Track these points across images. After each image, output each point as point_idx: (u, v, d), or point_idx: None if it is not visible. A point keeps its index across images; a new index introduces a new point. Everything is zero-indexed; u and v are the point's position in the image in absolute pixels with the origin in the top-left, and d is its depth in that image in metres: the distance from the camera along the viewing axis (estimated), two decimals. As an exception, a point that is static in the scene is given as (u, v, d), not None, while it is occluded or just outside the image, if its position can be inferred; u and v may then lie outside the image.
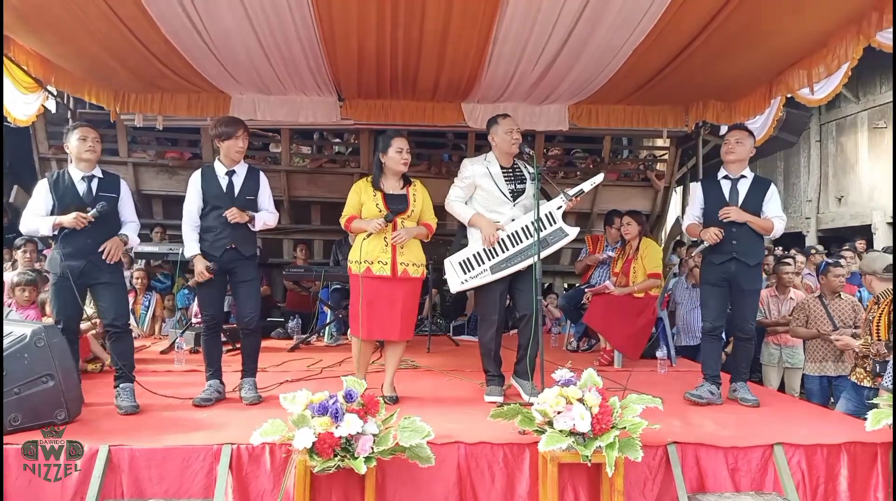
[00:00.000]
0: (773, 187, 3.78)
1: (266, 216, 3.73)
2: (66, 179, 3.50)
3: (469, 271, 3.81)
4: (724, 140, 3.83)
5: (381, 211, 3.66)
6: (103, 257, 3.43)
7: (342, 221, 3.77)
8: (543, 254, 3.64)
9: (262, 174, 3.80)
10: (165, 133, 7.40)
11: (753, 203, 3.71)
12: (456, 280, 3.84)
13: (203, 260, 3.58)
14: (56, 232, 3.41)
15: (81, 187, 3.49)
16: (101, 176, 3.56)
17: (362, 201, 3.71)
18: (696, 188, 3.96)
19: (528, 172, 3.84)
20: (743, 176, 3.76)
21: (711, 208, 3.79)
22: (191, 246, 3.63)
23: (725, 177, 3.79)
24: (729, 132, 3.86)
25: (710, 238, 3.66)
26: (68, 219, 3.37)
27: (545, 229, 3.71)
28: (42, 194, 3.48)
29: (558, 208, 3.75)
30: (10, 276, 4.87)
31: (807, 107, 7.66)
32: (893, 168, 10.25)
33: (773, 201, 3.74)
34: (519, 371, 3.81)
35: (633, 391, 3.37)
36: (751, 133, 3.89)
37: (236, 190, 3.66)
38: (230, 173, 3.67)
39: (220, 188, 3.64)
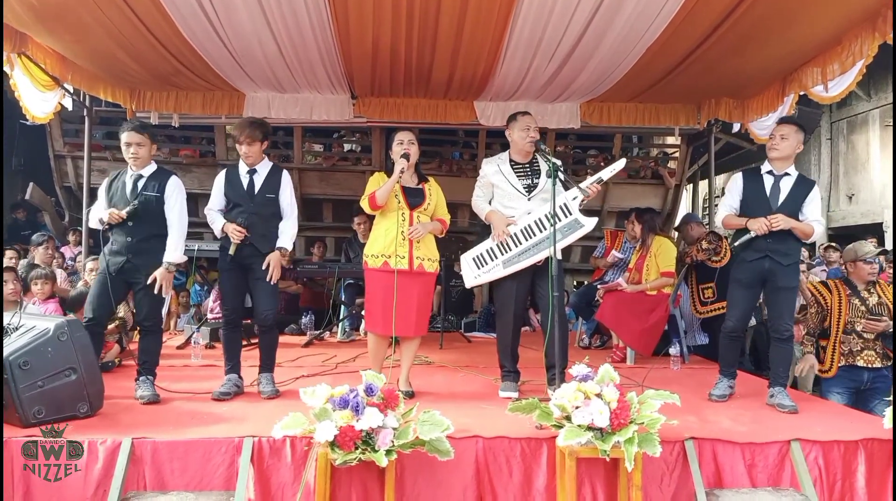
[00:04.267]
0: (815, 189, 3.59)
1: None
2: (120, 178, 3.65)
3: (482, 266, 3.82)
4: (769, 135, 3.67)
5: (399, 203, 3.70)
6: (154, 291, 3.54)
7: (364, 202, 3.72)
8: (558, 246, 3.51)
9: (284, 173, 3.83)
10: (178, 131, 7.46)
11: (793, 203, 3.55)
12: (470, 275, 3.87)
13: (231, 223, 3.62)
14: (106, 226, 3.56)
15: (129, 186, 3.60)
16: (147, 175, 3.63)
17: None
18: (736, 179, 3.76)
19: (547, 167, 3.81)
20: (787, 173, 3.59)
21: (750, 201, 3.63)
22: (218, 222, 3.68)
23: (769, 172, 3.61)
24: (776, 126, 3.68)
25: (759, 228, 3.48)
26: (105, 214, 3.52)
27: (560, 220, 3.64)
28: (102, 191, 3.67)
29: (574, 198, 3.71)
30: (24, 269, 4.95)
31: (818, 105, 7.68)
32: (894, 168, 10.20)
33: (814, 204, 3.56)
34: (548, 380, 3.53)
35: (648, 386, 3.38)
36: (800, 127, 3.63)
37: (256, 188, 3.71)
38: (251, 172, 3.73)
39: (241, 187, 3.70)
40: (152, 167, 3.65)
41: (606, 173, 3.76)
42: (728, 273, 3.99)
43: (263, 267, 3.64)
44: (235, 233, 3.58)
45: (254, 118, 3.90)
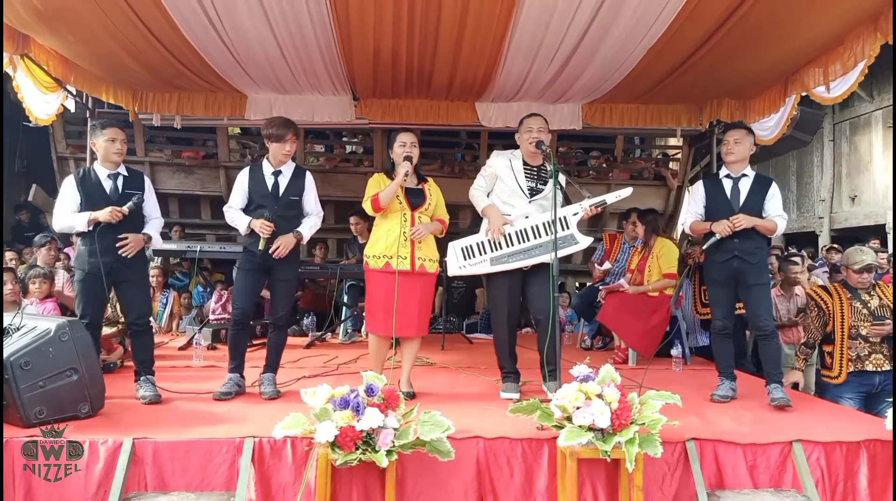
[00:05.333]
0: (774, 186, 3.76)
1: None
2: (93, 177, 3.58)
3: (469, 258, 3.82)
4: (722, 140, 3.81)
5: (401, 203, 3.71)
6: (119, 251, 3.48)
7: (367, 204, 3.73)
8: (549, 258, 3.49)
9: (308, 175, 3.84)
10: (181, 132, 7.48)
11: (755, 202, 3.69)
12: (455, 264, 3.86)
13: (257, 220, 3.60)
14: (91, 228, 3.47)
15: (108, 185, 3.57)
16: (126, 174, 3.64)
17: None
18: (698, 187, 3.93)
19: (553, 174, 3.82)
20: (744, 175, 3.74)
21: (713, 206, 3.79)
22: (243, 219, 3.66)
23: (727, 176, 3.78)
24: (727, 132, 3.84)
25: (722, 230, 3.61)
26: (104, 214, 3.44)
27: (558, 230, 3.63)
28: (70, 191, 3.56)
29: (574, 214, 3.75)
30: (23, 270, 4.97)
31: (821, 105, 7.66)
32: (894, 171, 10.18)
33: (774, 200, 3.71)
34: (544, 376, 3.69)
35: (649, 387, 3.37)
36: (749, 131, 3.85)
37: (281, 190, 3.71)
38: (276, 173, 3.72)
39: (265, 187, 3.70)
40: (123, 166, 3.66)
41: (611, 198, 3.79)
42: None
43: (273, 247, 3.62)
44: (265, 228, 3.57)
45: (286, 118, 3.88)
